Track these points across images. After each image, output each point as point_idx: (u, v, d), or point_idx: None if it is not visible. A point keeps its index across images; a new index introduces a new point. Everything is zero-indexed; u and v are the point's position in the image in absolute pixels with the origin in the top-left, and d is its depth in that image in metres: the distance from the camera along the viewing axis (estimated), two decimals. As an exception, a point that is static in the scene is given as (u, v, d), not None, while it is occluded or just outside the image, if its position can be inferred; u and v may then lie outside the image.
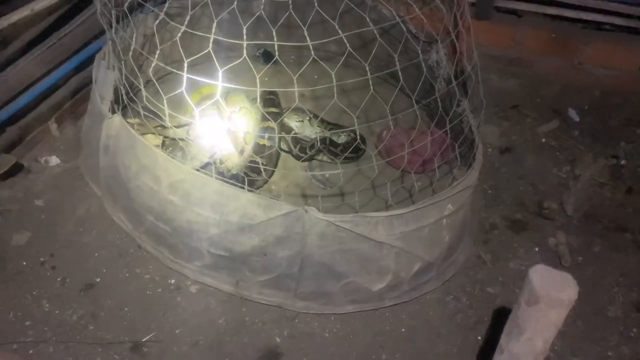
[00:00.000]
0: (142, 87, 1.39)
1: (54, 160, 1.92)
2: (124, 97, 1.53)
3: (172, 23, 1.34)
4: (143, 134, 1.78)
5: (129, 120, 1.74)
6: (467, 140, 1.69)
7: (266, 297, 1.53)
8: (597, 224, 1.89)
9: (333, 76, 1.21)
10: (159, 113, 1.67)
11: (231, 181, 1.69)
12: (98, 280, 1.60)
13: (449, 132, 1.56)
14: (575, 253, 1.79)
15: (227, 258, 1.49)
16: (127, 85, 1.54)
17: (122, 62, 1.52)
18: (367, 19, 1.24)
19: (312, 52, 1.19)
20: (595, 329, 1.60)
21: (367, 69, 1.25)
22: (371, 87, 1.25)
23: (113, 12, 1.46)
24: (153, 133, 1.83)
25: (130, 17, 1.47)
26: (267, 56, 2.36)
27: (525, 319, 0.78)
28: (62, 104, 1.98)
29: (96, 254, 1.66)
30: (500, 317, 1.58)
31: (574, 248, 1.80)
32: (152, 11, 2.01)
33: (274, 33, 1.20)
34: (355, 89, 1.71)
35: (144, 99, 1.42)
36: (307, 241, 1.39)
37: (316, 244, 1.40)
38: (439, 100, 1.47)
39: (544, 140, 2.18)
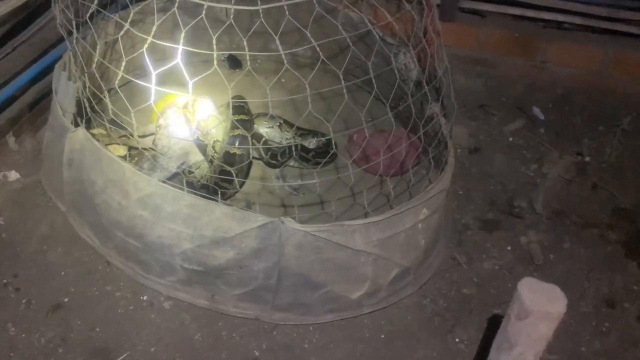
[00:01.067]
0: (107, 99, 1.34)
1: (13, 175, 1.83)
2: (88, 109, 1.47)
3: (139, 34, 1.28)
4: (107, 145, 1.72)
5: (92, 130, 1.68)
6: (439, 143, 1.70)
7: (243, 310, 1.50)
8: (565, 221, 1.92)
9: (307, 86, 1.19)
10: (121, 123, 1.62)
11: (201, 192, 1.66)
12: (66, 300, 1.53)
13: (422, 135, 1.56)
14: (547, 250, 1.82)
15: (201, 272, 1.45)
16: (90, 97, 1.48)
17: (85, 74, 1.46)
18: (340, 28, 1.22)
19: (285, 62, 1.17)
20: (568, 325, 1.63)
21: (341, 77, 1.23)
22: (345, 96, 1.23)
23: (73, 21, 1.40)
24: (117, 143, 1.78)
25: (92, 26, 1.41)
26: (232, 61, 2.32)
27: (516, 333, 0.78)
28: (20, 116, 1.90)
29: (63, 273, 1.60)
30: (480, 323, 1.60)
31: (545, 245, 1.83)
32: (112, 17, 1.95)
33: (245, 43, 1.18)
34: (328, 93, 1.69)
35: (110, 111, 1.36)
36: (284, 252, 1.37)
37: (293, 255, 1.38)
38: (412, 104, 1.47)
39: (511, 139, 2.22)
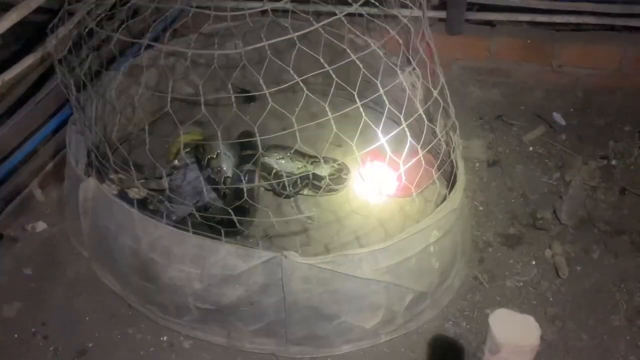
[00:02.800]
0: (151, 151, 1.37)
1: (41, 225, 1.91)
2: (94, 161, 1.53)
3: (161, 94, 1.32)
4: (127, 188, 1.78)
5: (111, 176, 1.74)
6: (449, 161, 1.67)
7: (259, 346, 1.50)
8: (593, 230, 1.84)
9: (328, 110, 1.20)
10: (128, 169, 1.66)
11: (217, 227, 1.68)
12: (90, 345, 1.58)
13: (436, 152, 1.55)
14: (574, 262, 1.75)
15: (214, 311, 1.47)
16: (100, 147, 1.54)
17: (93, 129, 1.52)
18: (348, 51, 1.24)
19: (305, 90, 1.20)
20: (601, 341, 1.55)
21: (358, 100, 1.25)
22: (363, 115, 1.23)
23: (71, 88, 1.47)
24: (136, 187, 1.84)
25: (89, 87, 1.47)
26: (246, 96, 2.35)
27: (491, 369, 0.76)
28: (44, 167, 1.98)
29: (87, 318, 1.64)
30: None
31: (571, 257, 1.76)
32: (122, 69, 2.02)
33: (261, 81, 1.21)
34: (338, 117, 1.68)
35: (126, 159, 1.41)
36: (290, 286, 1.37)
37: (300, 288, 1.37)
38: (425, 121, 1.46)
39: (531, 148, 2.15)
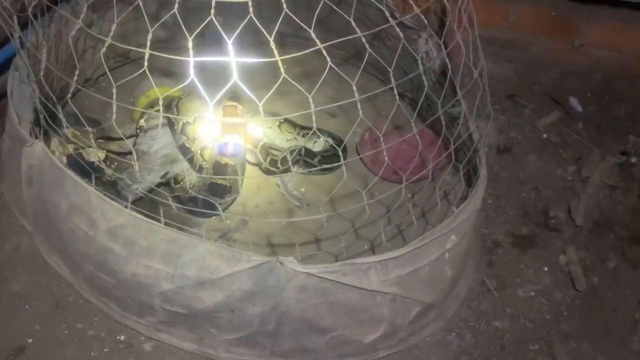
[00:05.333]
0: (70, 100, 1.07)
1: (-26, 186, 1.59)
2: (42, 120, 1.21)
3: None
4: (81, 148, 1.49)
5: (66, 131, 1.43)
6: (468, 150, 1.43)
7: (237, 356, 1.27)
8: (610, 235, 1.66)
9: (354, 87, 0.92)
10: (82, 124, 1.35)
11: (189, 206, 1.42)
12: (30, 341, 1.30)
13: (446, 133, 1.30)
14: (589, 272, 1.57)
15: (185, 315, 1.21)
16: (49, 103, 1.22)
17: (39, 77, 1.19)
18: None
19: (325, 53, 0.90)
20: (618, 366, 1.39)
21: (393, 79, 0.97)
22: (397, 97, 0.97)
23: (14, 16, 1.13)
24: (92, 147, 1.54)
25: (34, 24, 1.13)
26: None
27: None
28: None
29: (27, 306, 1.36)
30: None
31: (586, 265, 1.58)
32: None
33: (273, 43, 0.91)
34: (335, 84, 1.38)
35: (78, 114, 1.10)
36: (283, 296, 1.13)
37: (295, 298, 1.14)
38: (437, 100, 1.20)
39: (545, 135, 1.94)
